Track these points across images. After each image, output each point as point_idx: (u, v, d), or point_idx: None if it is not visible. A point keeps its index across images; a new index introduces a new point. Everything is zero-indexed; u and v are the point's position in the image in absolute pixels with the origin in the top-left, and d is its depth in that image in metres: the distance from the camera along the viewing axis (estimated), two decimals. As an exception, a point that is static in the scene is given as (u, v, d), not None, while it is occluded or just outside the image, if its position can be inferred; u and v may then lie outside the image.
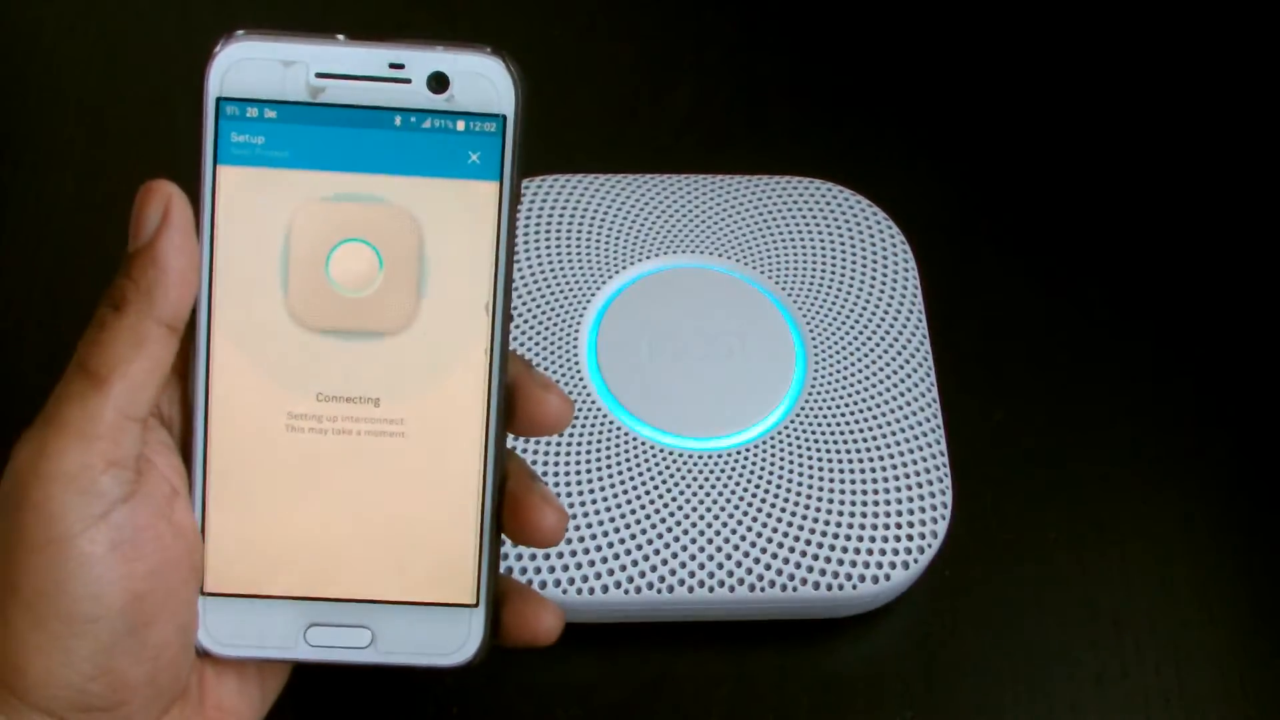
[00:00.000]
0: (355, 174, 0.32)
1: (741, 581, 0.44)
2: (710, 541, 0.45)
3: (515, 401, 0.34)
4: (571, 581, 0.44)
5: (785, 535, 0.45)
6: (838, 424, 0.48)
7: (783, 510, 0.45)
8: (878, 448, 0.47)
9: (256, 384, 0.33)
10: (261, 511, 0.33)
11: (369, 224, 0.33)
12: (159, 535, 0.31)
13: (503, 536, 0.35)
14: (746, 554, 0.45)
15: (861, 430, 0.47)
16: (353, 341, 0.33)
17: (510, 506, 0.34)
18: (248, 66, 0.32)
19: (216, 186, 0.32)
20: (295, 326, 0.33)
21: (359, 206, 0.32)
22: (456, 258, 0.33)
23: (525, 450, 0.46)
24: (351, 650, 0.34)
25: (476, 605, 0.34)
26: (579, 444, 0.46)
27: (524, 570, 0.44)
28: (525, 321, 0.49)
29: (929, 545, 0.46)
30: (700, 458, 0.46)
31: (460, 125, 0.32)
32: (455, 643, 0.34)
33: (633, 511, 0.45)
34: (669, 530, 0.45)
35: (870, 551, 0.45)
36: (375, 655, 0.34)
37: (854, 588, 0.45)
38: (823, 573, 0.45)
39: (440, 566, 0.34)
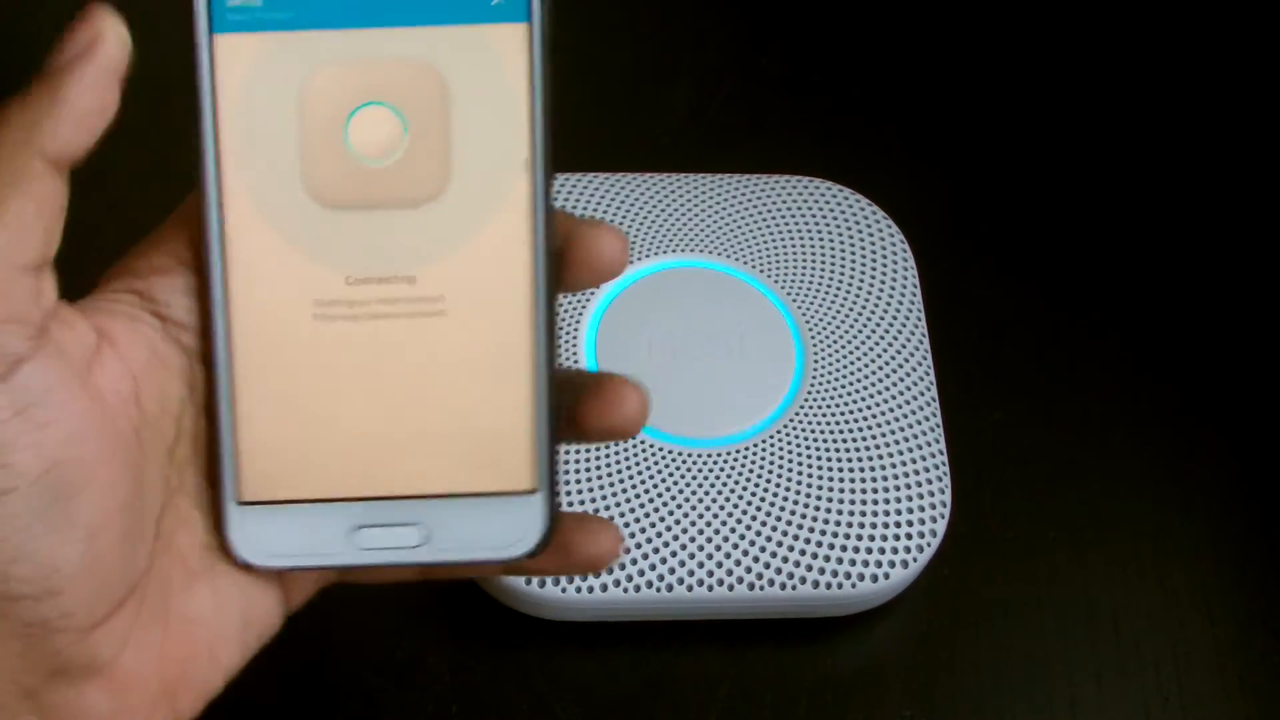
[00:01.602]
0: (366, 29, 0.29)
1: (741, 580, 0.45)
2: (710, 540, 0.45)
3: (566, 252, 0.31)
4: (571, 580, 0.44)
5: (784, 534, 0.45)
6: (837, 423, 0.48)
7: (782, 509, 0.46)
8: (877, 447, 0.47)
9: (279, 272, 0.30)
10: (295, 410, 0.31)
11: (387, 84, 0.30)
12: (74, 398, 0.28)
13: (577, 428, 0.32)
14: (746, 553, 0.45)
15: (861, 429, 0.47)
16: (380, 215, 0.30)
17: (587, 387, 0.31)
18: None
19: (214, 59, 0.29)
20: (316, 205, 0.30)
21: (374, 65, 0.30)
22: (488, 113, 0.30)
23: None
24: (404, 550, 0.31)
25: (535, 491, 0.31)
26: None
27: (523, 569, 0.44)
28: (525, 321, 0.49)
29: (928, 544, 0.46)
30: (700, 457, 0.46)
31: None
32: (514, 534, 0.31)
33: (632, 510, 0.45)
34: (668, 529, 0.45)
35: (870, 550, 0.45)
36: (429, 554, 0.31)
37: (853, 587, 0.45)
38: (822, 571, 0.45)
39: (494, 452, 0.31)
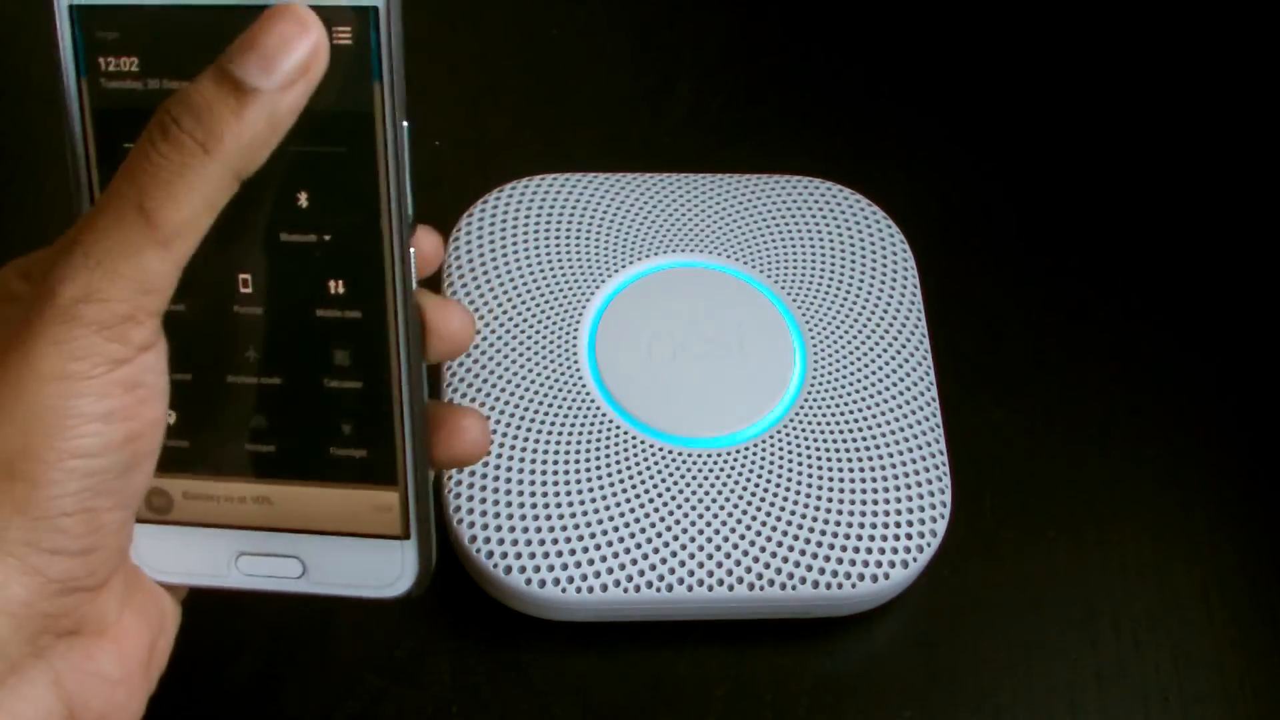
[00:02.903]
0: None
1: (741, 580, 0.45)
2: (710, 540, 0.45)
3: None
4: (570, 580, 0.44)
5: (784, 534, 0.45)
6: (837, 423, 0.48)
7: (782, 509, 0.46)
8: (877, 447, 0.47)
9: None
10: (184, 439, 0.33)
11: None
12: (163, 384, 0.30)
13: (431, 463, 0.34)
14: (746, 553, 0.45)
15: (861, 429, 0.47)
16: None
17: (433, 420, 0.33)
18: None
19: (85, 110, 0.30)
20: None
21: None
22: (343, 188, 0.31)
23: (519, 446, 0.46)
24: (283, 580, 0.33)
25: (408, 538, 0.33)
26: (578, 442, 0.46)
27: (522, 569, 0.44)
28: (525, 321, 0.49)
29: (928, 544, 0.46)
30: (700, 456, 0.46)
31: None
32: (389, 575, 0.33)
33: (631, 510, 0.45)
34: (668, 529, 0.45)
35: (869, 550, 0.45)
36: (308, 585, 0.33)
37: (853, 586, 0.45)
38: (822, 571, 0.45)
39: (367, 499, 0.33)
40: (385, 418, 0.33)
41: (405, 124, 0.31)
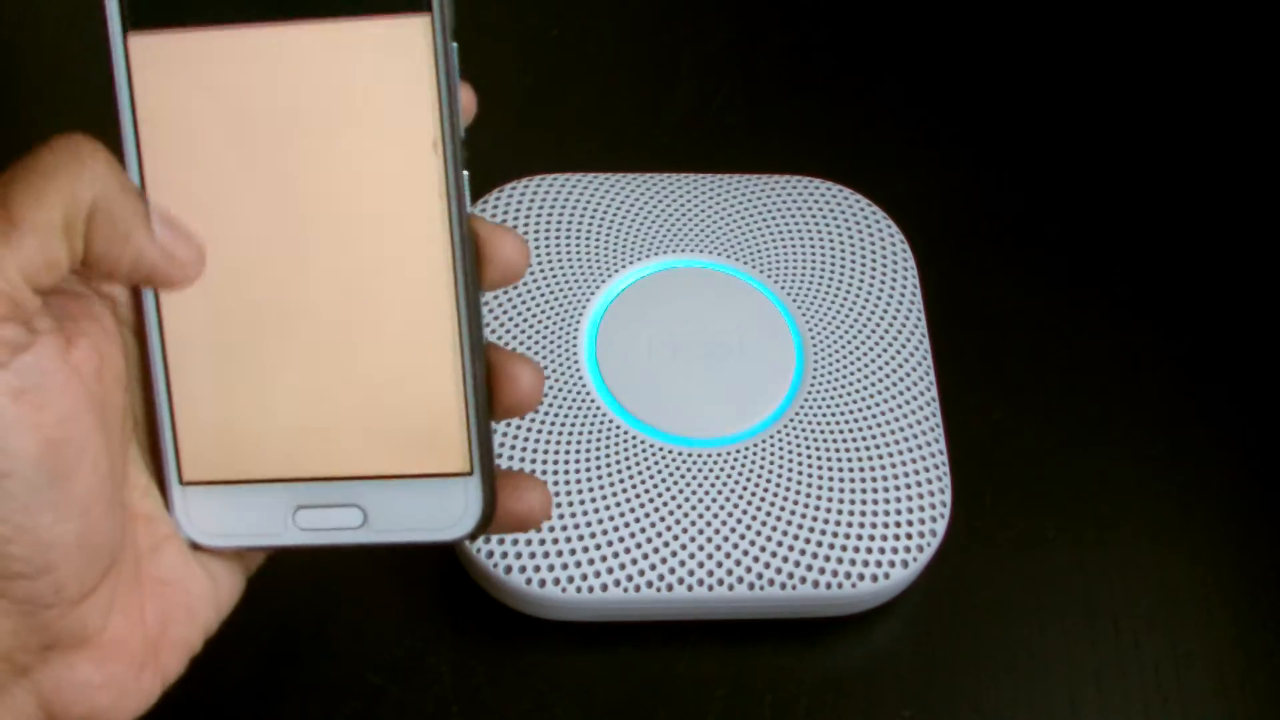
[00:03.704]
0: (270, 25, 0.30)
1: (740, 580, 0.45)
2: (710, 540, 0.45)
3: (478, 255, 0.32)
4: (570, 580, 0.44)
5: (784, 534, 0.45)
6: (837, 423, 0.48)
7: (782, 509, 0.46)
8: (877, 447, 0.47)
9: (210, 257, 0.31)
10: (232, 390, 0.32)
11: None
12: (66, 379, 0.28)
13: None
14: (746, 553, 0.45)
15: (861, 429, 0.47)
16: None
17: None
18: None
19: (130, 60, 0.31)
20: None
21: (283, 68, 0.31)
22: (393, 106, 0.31)
23: (519, 446, 0.46)
24: (345, 531, 0.32)
25: (471, 473, 0.32)
26: (578, 442, 0.46)
27: (522, 568, 0.44)
28: (525, 320, 0.49)
29: (928, 544, 0.46)
30: (700, 456, 0.46)
31: None
32: (452, 515, 0.32)
33: (631, 510, 0.45)
34: (669, 529, 0.45)
35: (869, 550, 0.45)
36: (370, 535, 0.32)
37: (853, 586, 0.45)
38: (822, 571, 0.45)
39: (429, 434, 0.32)
40: (444, 345, 0.31)
41: (455, 45, 0.31)
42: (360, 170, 0.31)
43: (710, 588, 0.44)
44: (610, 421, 0.47)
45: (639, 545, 0.45)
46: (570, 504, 0.45)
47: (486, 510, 0.32)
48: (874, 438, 0.47)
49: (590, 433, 0.47)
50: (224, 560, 0.33)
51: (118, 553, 0.30)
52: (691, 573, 0.45)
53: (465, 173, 0.31)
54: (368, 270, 0.31)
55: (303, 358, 0.32)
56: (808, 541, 0.45)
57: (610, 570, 0.44)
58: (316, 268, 0.31)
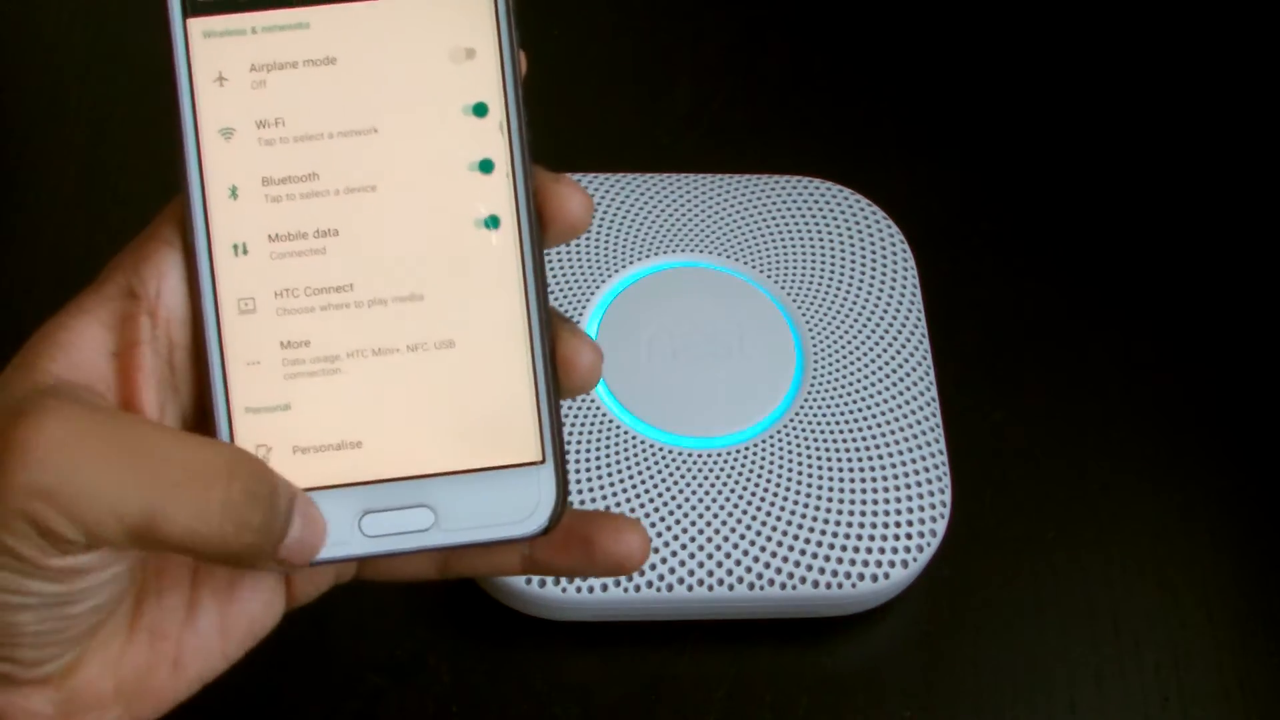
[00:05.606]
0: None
1: (741, 580, 0.45)
2: (710, 540, 0.45)
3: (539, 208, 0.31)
4: (571, 579, 0.44)
5: (784, 534, 0.45)
6: (837, 423, 0.48)
7: (782, 509, 0.46)
8: (877, 447, 0.47)
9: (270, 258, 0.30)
10: (290, 396, 0.30)
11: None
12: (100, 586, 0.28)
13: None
14: (746, 553, 0.45)
15: (860, 429, 0.47)
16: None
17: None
18: None
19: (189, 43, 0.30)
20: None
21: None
22: (454, 79, 0.31)
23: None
24: (414, 535, 0.30)
25: (544, 462, 0.31)
26: (578, 442, 0.46)
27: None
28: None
29: (928, 544, 0.46)
30: (700, 456, 0.46)
31: None
32: (526, 509, 0.31)
33: (631, 510, 0.45)
34: (669, 529, 0.45)
35: (869, 550, 0.45)
36: (441, 536, 0.30)
37: (853, 586, 0.45)
38: (822, 571, 0.45)
39: (499, 425, 0.31)
40: (512, 325, 0.31)
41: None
42: (423, 150, 0.31)
43: (710, 588, 0.44)
44: (610, 421, 0.47)
45: (639, 545, 0.45)
46: (570, 503, 0.45)
47: (559, 503, 0.31)
48: (874, 438, 0.47)
49: (590, 433, 0.47)
50: (252, 601, 0.31)
51: (101, 624, 0.29)
52: (691, 573, 0.45)
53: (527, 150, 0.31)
54: (431, 253, 0.31)
55: (364, 357, 0.31)
56: (808, 541, 0.45)
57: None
58: (381, 255, 0.30)
